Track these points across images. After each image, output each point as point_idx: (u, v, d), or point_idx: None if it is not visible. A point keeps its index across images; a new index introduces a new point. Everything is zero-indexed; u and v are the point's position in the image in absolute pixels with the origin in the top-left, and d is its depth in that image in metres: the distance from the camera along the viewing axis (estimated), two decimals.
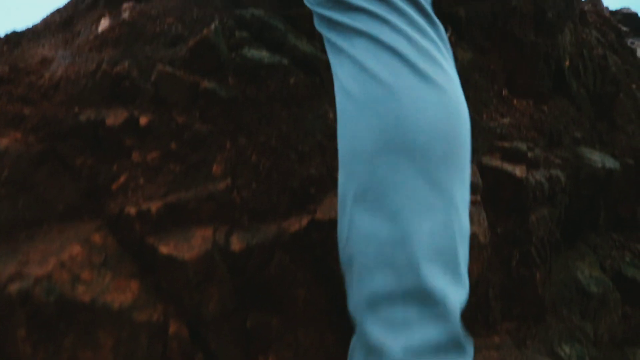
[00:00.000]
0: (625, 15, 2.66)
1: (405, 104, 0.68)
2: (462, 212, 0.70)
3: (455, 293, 0.66)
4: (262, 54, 1.14)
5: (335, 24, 0.80)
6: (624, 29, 2.46)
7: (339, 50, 0.78)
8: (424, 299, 0.63)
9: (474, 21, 1.50)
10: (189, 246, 0.88)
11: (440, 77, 0.73)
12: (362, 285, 0.67)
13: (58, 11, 1.34)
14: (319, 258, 0.98)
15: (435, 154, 0.68)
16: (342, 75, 0.76)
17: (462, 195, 0.71)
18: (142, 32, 1.13)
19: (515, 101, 1.50)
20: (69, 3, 1.37)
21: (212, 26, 1.12)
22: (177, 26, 1.16)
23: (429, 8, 0.79)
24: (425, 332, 0.62)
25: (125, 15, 1.17)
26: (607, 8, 2.70)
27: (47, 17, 1.34)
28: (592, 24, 2.24)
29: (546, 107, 1.53)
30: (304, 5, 1.35)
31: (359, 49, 0.74)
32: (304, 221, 0.98)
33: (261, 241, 0.93)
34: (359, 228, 0.69)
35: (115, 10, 1.22)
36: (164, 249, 0.87)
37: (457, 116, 0.73)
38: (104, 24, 1.15)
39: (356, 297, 0.68)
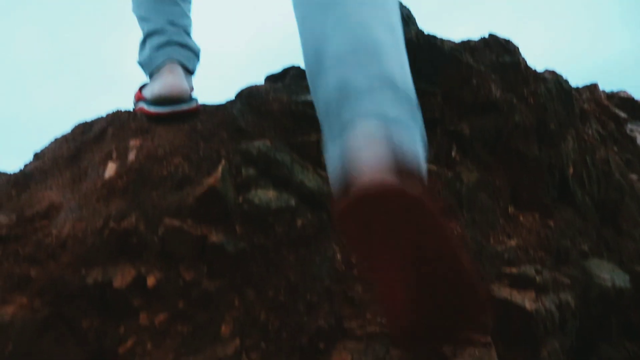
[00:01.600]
0: (622, 100, 2.69)
1: None
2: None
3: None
4: (268, 196, 1.14)
5: None
6: (622, 115, 2.49)
7: None
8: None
9: (478, 138, 1.51)
10: None
11: None
12: (335, 78, 0.78)
13: (66, 140, 1.35)
14: None
15: None
16: None
17: None
18: (148, 176, 1.13)
19: (521, 217, 1.50)
20: (76, 130, 1.38)
21: (219, 170, 1.12)
22: (184, 166, 1.17)
23: None
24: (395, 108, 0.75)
25: (132, 156, 1.18)
26: (604, 92, 2.74)
27: (55, 146, 1.34)
28: (591, 114, 2.26)
29: (552, 221, 1.52)
30: (309, 133, 1.37)
31: None
32: None
33: None
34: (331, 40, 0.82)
35: (122, 145, 1.23)
36: None
37: None
38: (111, 168, 1.15)
39: (329, 93, 0.78)
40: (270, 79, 1.80)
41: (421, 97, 1.49)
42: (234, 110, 1.35)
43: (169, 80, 1.33)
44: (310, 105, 1.36)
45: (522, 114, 1.56)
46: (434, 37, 1.54)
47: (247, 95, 1.43)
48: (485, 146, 1.52)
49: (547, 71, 2.15)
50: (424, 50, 1.52)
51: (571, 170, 1.67)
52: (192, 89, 1.47)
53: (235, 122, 1.32)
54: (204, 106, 1.41)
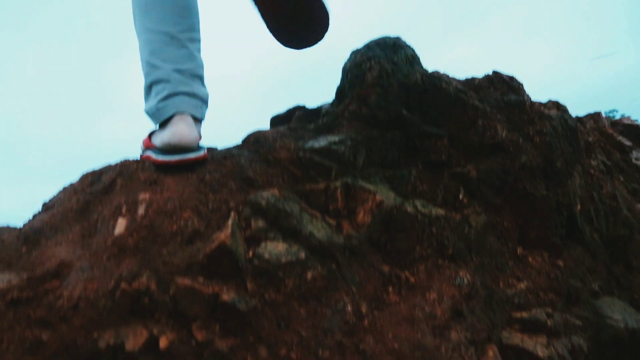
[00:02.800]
0: (626, 127, 2.69)
1: None
2: None
3: None
4: (278, 250, 1.14)
5: None
6: (627, 143, 2.49)
7: None
8: None
9: (485, 180, 1.51)
10: None
11: None
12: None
13: (74, 191, 1.35)
14: None
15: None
16: None
17: None
18: (158, 232, 1.13)
19: (530, 258, 1.49)
20: (85, 180, 1.39)
21: (229, 224, 1.13)
22: (194, 220, 1.17)
23: None
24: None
25: (142, 211, 1.18)
26: (607, 119, 2.75)
27: (64, 197, 1.35)
28: (596, 143, 2.27)
29: (561, 260, 1.52)
30: (317, 181, 1.37)
31: None
32: None
33: None
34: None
35: (131, 198, 1.23)
36: None
37: None
38: (121, 224, 1.15)
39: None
40: (276, 120, 1.81)
41: (428, 140, 1.51)
42: (241, 159, 1.36)
43: (179, 130, 1.34)
44: (317, 152, 1.37)
45: (529, 154, 1.56)
46: (439, 79, 1.55)
47: (255, 142, 1.44)
48: (492, 188, 1.52)
49: (551, 102, 2.17)
50: (429, 93, 1.53)
51: (579, 207, 1.67)
52: (200, 136, 1.48)
53: (243, 171, 1.33)
54: (212, 154, 1.42)
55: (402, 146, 1.49)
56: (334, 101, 1.71)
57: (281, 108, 1.92)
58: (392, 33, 1.75)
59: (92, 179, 1.39)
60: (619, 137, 2.50)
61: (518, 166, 1.53)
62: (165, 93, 1.38)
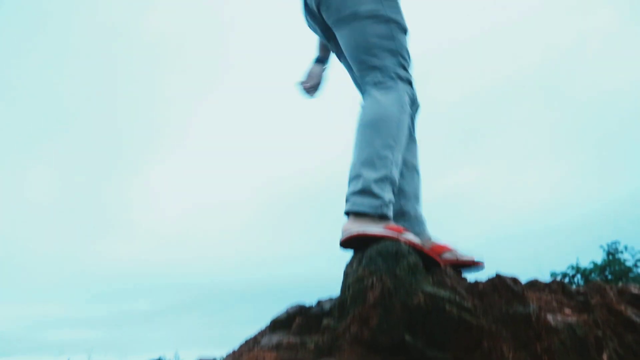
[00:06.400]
0: (634, 297, 2.62)
1: None
2: None
3: None
4: None
5: None
6: (637, 320, 2.41)
7: None
8: None
9: None
10: None
11: None
12: None
13: None
14: None
15: None
16: None
17: None
18: None
19: None
20: None
21: None
22: None
23: None
24: None
25: None
26: (614, 288, 2.68)
27: None
28: (605, 324, 2.19)
29: None
30: None
31: None
32: None
33: None
34: None
35: None
36: None
37: None
38: None
39: None
40: (276, 325, 1.77)
41: None
42: None
43: None
44: None
45: None
46: (442, 300, 1.52)
47: None
48: None
49: (555, 284, 2.12)
50: (432, 315, 1.49)
51: None
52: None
53: None
54: None
55: None
56: (334, 310, 1.68)
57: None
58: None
59: None
60: (628, 312, 2.42)
61: None
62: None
